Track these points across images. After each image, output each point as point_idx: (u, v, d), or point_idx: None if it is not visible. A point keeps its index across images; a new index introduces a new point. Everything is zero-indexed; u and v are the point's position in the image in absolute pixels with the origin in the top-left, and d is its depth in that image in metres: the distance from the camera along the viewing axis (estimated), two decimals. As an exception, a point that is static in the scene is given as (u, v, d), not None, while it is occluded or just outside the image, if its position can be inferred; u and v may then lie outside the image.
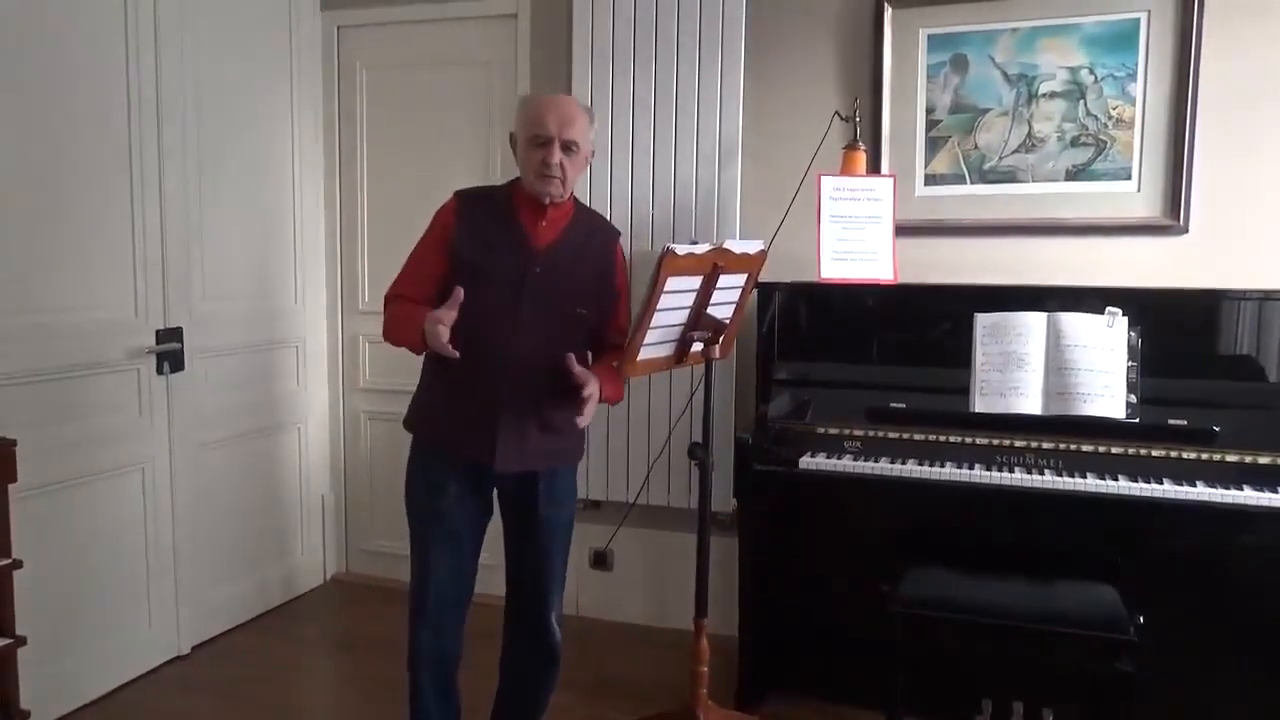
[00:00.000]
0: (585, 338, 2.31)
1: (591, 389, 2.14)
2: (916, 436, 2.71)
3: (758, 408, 2.98)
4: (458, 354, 2.07)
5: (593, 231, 2.34)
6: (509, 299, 2.18)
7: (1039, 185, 3.08)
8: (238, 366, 3.49)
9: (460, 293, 2.07)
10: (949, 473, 2.59)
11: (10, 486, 2.24)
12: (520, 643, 2.42)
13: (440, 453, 2.28)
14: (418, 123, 3.75)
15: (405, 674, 2.35)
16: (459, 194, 2.32)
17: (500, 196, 2.30)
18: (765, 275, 2.78)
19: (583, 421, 2.18)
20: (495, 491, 2.35)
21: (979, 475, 2.57)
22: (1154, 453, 2.53)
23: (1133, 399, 2.59)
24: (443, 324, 2.06)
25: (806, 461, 2.71)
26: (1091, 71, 3.00)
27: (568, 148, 2.18)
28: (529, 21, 3.55)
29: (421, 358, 2.30)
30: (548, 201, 2.21)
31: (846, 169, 3.05)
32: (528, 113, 2.22)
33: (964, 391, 2.68)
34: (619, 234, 2.43)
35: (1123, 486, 2.46)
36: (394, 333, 2.28)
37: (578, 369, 2.14)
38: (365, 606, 3.72)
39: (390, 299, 2.31)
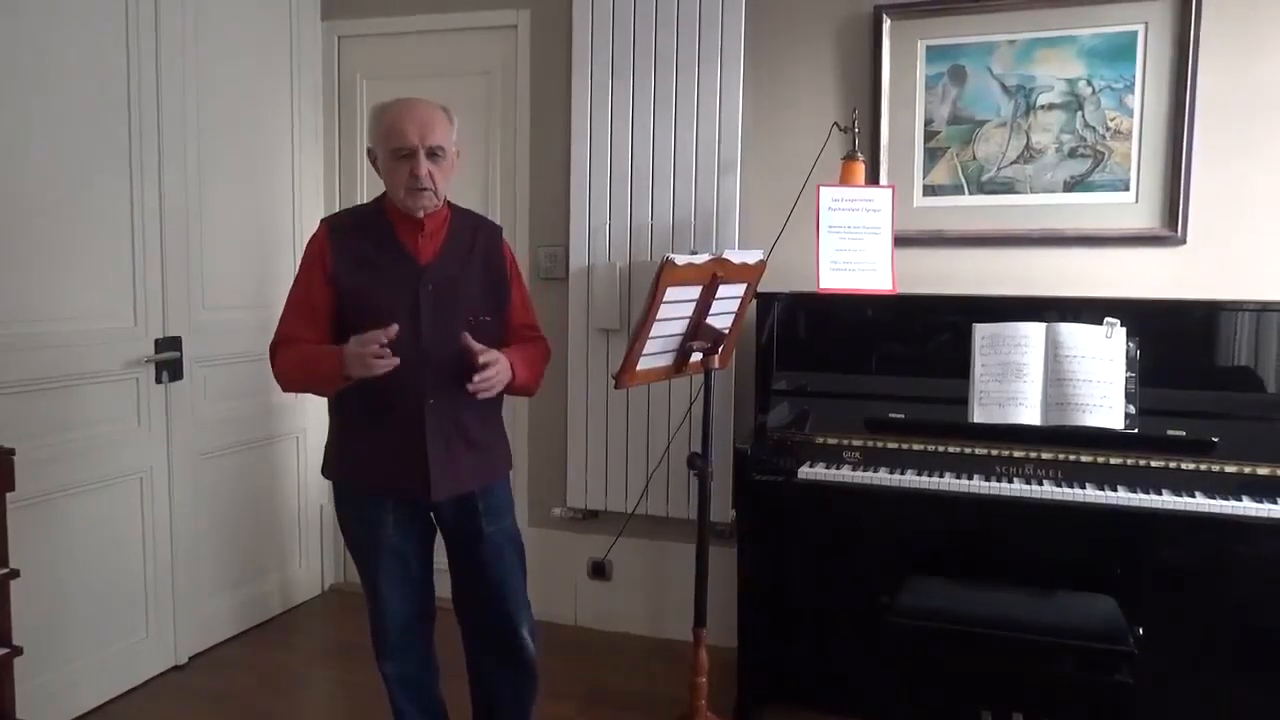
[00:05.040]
0: (493, 343, 2.18)
1: (490, 356, 2.05)
2: (915, 447, 2.71)
3: (757, 418, 2.98)
4: (395, 361, 1.98)
5: (476, 233, 2.25)
6: (407, 324, 2.07)
7: (1037, 196, 3.09)
8: (236, 376, 3.49)
9: (395, 329, 1.97)
10: (948, 483, 2.59)
11: (8, 495, 2.23)
12: (490, 660, 2.36)
13: (372, 495, 2.21)
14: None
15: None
16: (327, 222, 2.22)
17: (372, 218, 2.19)
18: (764, 285, 2.79)
19: (480, 386, 2.04)
20: (433, 515, 2.29)
21: (978, 486, 2.57)
22: (1153, 463, 2.53)
23: (1131, 410, 2.59)
24: (369, 348, 1.95)
25: (805, 471, 2.71)
26: (1089, 83, 3.02)
27: (433, 154, 2.08)
28: (529, 32, 3.57)
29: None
30: (422, 215, 2.12)
31: (845, 179, 3.06)
32: (383, 125, 2.10)
33: (963, 402, 2.68)
34: (501, 228, 2.35)
35: (1122, 497, 2.45)
36: (295, 377, 2.17)
37: (475, 344, 2.05)
38: (363, 617, 3.67)
39: (281, 343, 2.17)
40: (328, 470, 2.30)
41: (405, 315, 2.10)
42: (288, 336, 2.17)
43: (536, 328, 2.37)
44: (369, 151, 2.19)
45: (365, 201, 2.27)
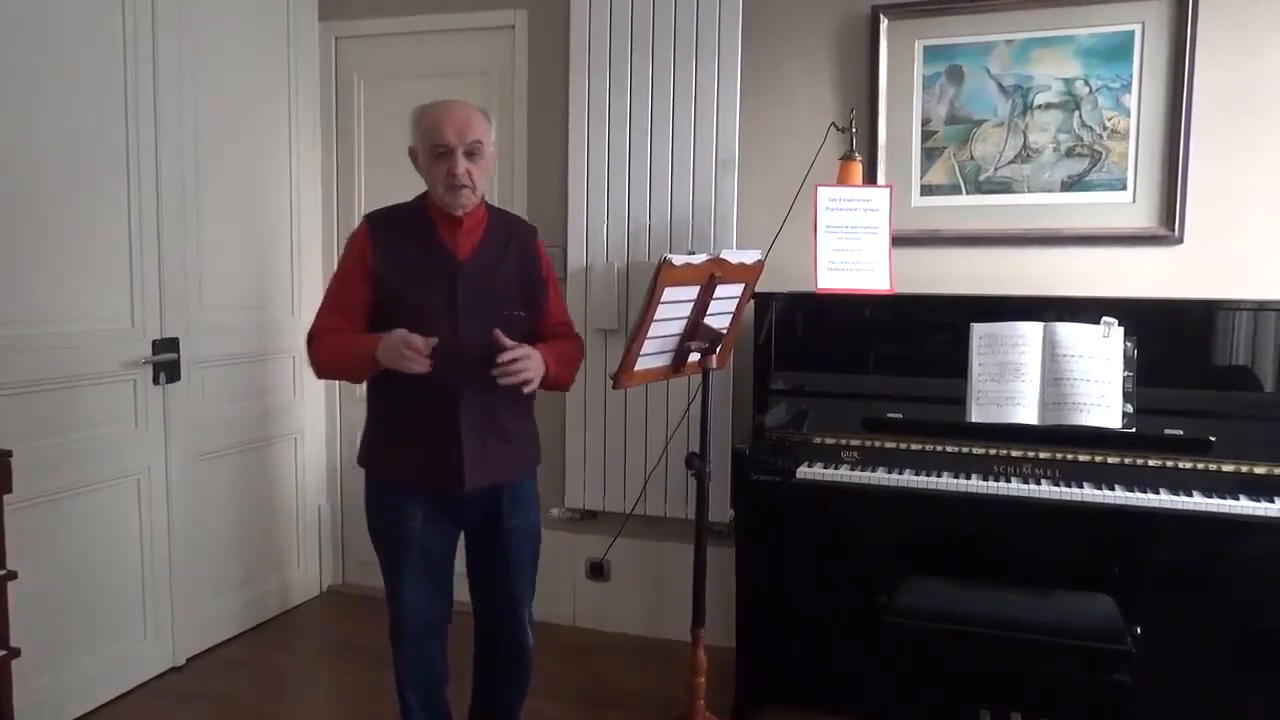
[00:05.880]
0: (526, 338, 2.23)
1: (521, 351, 2.11)
2: (913, 446, 2.71)
3: (755, 418, 2.98)
4: (426, 365, 2.03)
5: (511, 232, 2.31)
6: (443, 318, 2.14)
7: (1034, 196, 3.09)
8: (234, 377, 3.49)
9: (435, 341, 2.03)
10: (946, 483, 2.59)
11: (6, 497, 2.23)
12: (492, 649, 2.40)
13: (405, 484, 2.24)
14: (415, 133, 3.75)
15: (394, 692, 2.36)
16: (369, 218, 2.28)
17: (413, 214, 2.26)
18: (762, 285, 2.79)
19: (502, 372, 2.09)
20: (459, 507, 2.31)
21: (976, 485, 2.57)
22: (1150, 463, 2.53)
23: (1129, 409, 2.59)
24: (412, 346, 2.01)
25: (804, 471, 2.71)
26: (1086, 83, 3.02)
27: (471, 153, 2.15)
28: (526, 33, 3.56)
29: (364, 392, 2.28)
30: (460, 213, 2.18)
31: (843, 179, 3.06)
32: (424, 125, 2.18)
33: (960, 402, 2.68)
34: (535, 229, 2.40)
35: (1119, 496, 2.46)
36: (330, 363, 2.25)
37: (507, 341, 2.10)
38: (362, 618, 3.70)
39: (317, 333, 2.25)
40: (362, 459, 2.34)
41: (442, 309, 2.16)
42: (324, 327, 2.24)
43: (570, 325, 2.43)
44: (410, 151, 2.25)
45: (408, 200, 2.33)
